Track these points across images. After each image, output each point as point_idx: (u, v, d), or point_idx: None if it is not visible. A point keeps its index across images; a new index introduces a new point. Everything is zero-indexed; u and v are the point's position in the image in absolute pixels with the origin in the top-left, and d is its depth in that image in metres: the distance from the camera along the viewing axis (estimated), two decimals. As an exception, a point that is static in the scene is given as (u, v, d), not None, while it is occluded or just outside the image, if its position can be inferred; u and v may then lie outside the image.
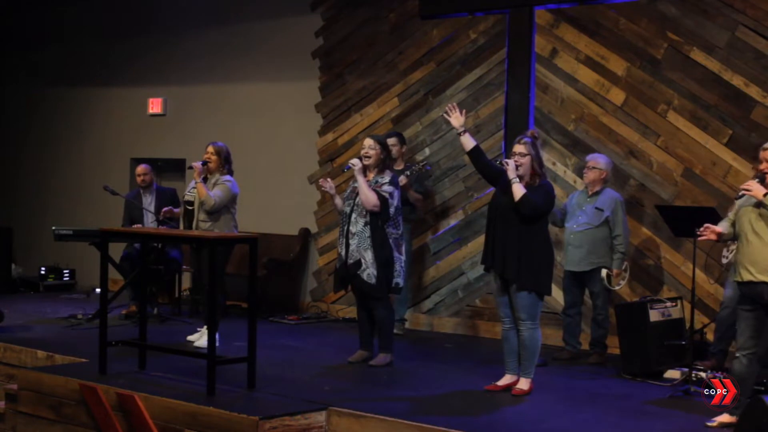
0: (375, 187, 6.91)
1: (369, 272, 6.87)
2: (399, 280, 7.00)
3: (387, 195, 6.91)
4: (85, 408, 6.08)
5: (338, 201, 7.15)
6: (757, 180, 5.35)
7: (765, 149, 5.38)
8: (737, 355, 5.44)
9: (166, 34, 11.31)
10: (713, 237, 5.49)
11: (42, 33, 12.54)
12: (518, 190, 6.02)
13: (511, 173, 6.06)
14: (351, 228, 6.93)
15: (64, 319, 8.90)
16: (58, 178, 12.29)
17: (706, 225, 5.51)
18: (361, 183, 6.88)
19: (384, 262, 6.90)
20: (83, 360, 6.92)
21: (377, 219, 6.91)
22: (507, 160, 6.13)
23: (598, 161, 7.40)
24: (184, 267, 9.62)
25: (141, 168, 9.38)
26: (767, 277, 5.23)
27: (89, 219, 11.05)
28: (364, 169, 7.00)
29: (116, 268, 8.74)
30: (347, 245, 6.94)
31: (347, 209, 7.00)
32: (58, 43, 12.35)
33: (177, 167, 10.97)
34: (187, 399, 5.71)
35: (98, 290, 8.37)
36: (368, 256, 6.87)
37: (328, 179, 7.32)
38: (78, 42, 12.16)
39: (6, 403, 6.75)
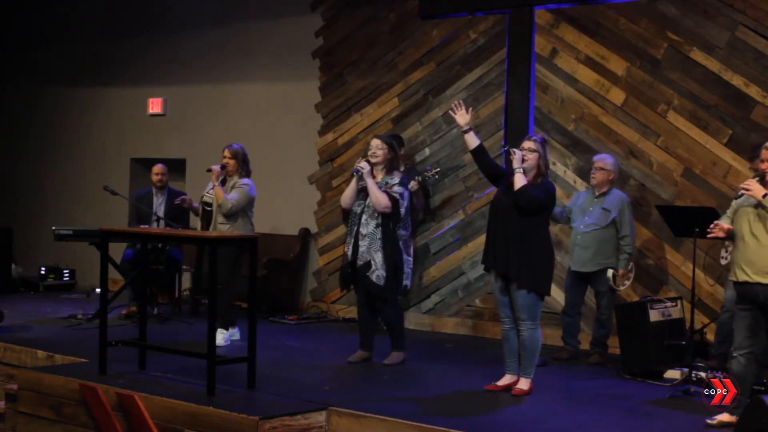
0: (385, 189, 6.90)
1: (378, 274, 6.86)
2: (407, 281, 7.01)
3: (398, 196, 6.90)
4: (85, 408, 6.07)
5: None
6: (757, 179, 5.34)
7: (767, 148, 5.37)
8: (734, 354, 5.44)
9: (166, 34, 11.31)
10: (722, 234, 5.49)
11: (42, 33, 12.54)
12: (519, 180, 6.02)
13: (516, 163, 6.06)
14: (362, 229, 6.91)
15: (64, 319, 8.89)
16: (58, 178, 12.30)
17: (715, 222, 5.50)
18: (371, 185, 6.85)
19: (393, 265, 6.90)
20: (83, 360, 6.92)
21: (389, 221, 6.90)
22: (515, 149, 6.13)
23: (606, 162, 7.38)
24: (184, 267, 9.62)
25: (159, 168, 9.31)
26: (763, 278, 5.24)
27: (89, 219, 11.06)
28: (372, 170, 7.00)
29: (116, 269, 8.73)
30: (356, 246, 6.93)
31: (357, 209, 6.98)
32: (58, 43, 12.35)
33: (177, 167, 10.96)
34: (187, 399, 5.71)
35: (98, 290, 8.37)
36: (378, 257, 6.86)
37: (362, 160, 6.97)
38: (78, 42, 12.16)
39: (6, 403, 6.74)
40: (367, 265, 6.88)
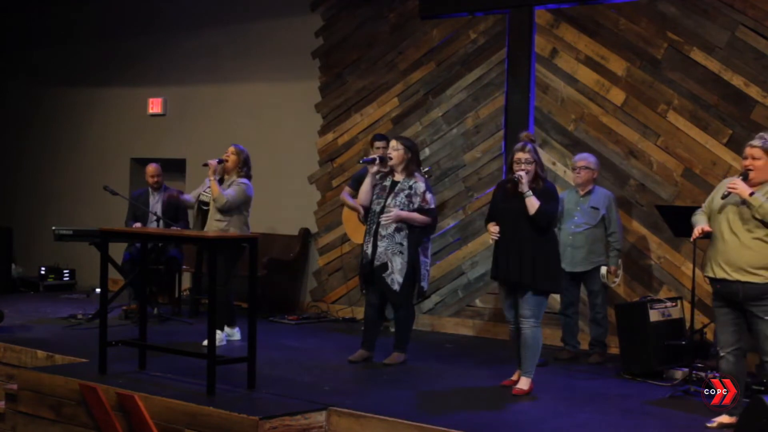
0: (421, 203, 6.89)
1: (394, 277, 6.85)
2: (424, 284, 7.00)
3: (434, 206, 6.97)
4: (85, 408, 6.08)
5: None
6: (741, 177, 5.35)
7: (750, 146, 5.37)
8: (722, 354, 5.44)
9: (166, 34, 11.31)
10: (701, 234, 5.49)
11: (42, 33, 12.54)
12: (533, 204, 6.06)
13: (525, 187, 6.08)
14: (381, 230, 6.90)
15: (64, 319, 8.89)
16: (58, 178, 12.30)
17: (699, 227, 5.50)
18: (410, 216, 6.87)
19: (410, 268, 6.89)
20: (83, 360, 6.92)
21: (414, 226, 6.90)
22: (521, 174, 6.12)
23: (589, 161, 7.41)
24: (184, 267, 9.62)
25: (153, 169, 9.27)
26: (742, 276, 5.24)
27: (89, 219, 11.06)
28: (391, 171, 7.00)
29: (116, 269, 8.73)
30: (375, 246, 6.92)
31: (377, 208, 6.97)
32: (58, 43, 12.36)
33: (177, 167, 10.97)
34: (187, 399, 5.71)
35: (98, 290, 8.37)
36: (396, 261, 6.86)
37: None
38: (78, 42, 12.16)
39: (6, 403, 6.75)
40: (384, 266, 6.87)
